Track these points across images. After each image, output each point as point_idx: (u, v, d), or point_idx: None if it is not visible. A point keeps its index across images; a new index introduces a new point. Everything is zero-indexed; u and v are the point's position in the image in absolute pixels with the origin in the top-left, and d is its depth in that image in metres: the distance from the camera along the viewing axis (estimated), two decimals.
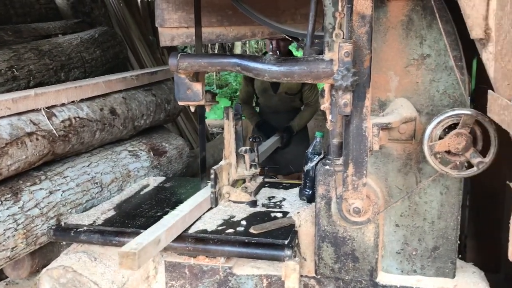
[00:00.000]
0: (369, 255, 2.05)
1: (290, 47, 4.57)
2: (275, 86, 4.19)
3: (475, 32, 1.42)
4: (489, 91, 1.42)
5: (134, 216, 2.49)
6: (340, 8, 1.66)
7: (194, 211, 2.38)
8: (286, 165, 4.24)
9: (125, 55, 4.47)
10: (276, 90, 4.20)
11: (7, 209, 2.17)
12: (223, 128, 2.74)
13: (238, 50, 12.05)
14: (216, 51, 11.81)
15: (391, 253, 2.07)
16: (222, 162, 2.65)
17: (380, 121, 1.77)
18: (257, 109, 4.53)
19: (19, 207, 2.23)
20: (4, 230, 2.12)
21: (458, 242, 2.02)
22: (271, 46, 3.98)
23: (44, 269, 2.25)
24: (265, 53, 4.68)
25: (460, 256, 2.15)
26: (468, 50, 1.81)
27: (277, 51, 3.88)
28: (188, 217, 2.31)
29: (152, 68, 4.72)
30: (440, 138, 1.77)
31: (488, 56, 1.41)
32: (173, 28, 2.95)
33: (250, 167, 2.77)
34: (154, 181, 3.13)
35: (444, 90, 1.87)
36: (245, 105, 4.35)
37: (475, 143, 1.75)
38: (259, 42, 12.18)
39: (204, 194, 2.57)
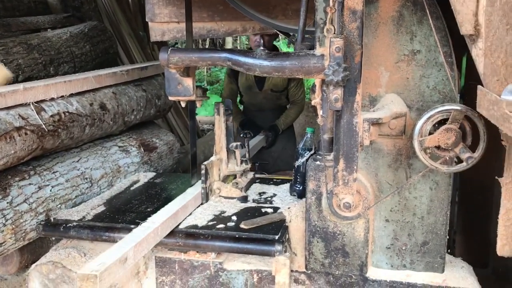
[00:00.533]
0: (359, 250, 2.06)
1: (275, 43, 4.49)
2: (260, 83, 4.05)
3: (465, 28, 1.43)
4: (479, 87, 1.43)
5: (124, 212, 2.48)
6: (331, 3, 1.66)
7: (170, 220, 2.21)
8: (273, 164, 4.17)
9: (115, 50, 4.42)
10: (261, 87, 4.06)
11: None
12: (213, 125, 2.73)
13: (229, 46, 12.02)
14: (207, 46, 11.77)
15: (381, 248, 2.08)
16: (213, 158, 2.65)
17: (371, 117, 1.78)
18: (241, 107, 4.37)
19: (7, 202, 2.20)
20: None
21: (447, 237, 2.04)
22: (258, 41, 3.84)
23: (33, 265, 2.23)
24: (250, 48, 4.64)
25: (449, 251, 2.17)
26: (458, 46, 1.82)
27: (260, 46, 3.76)
28: (161, 229, 2.12)
29: (142, 63, 4.68)
30: (430, 133, 1.78)
31: (477, 52, 1.42)
32: (163, 23, 2.94)
33: (241, 162, 2.77)
34: (144, 176, 3.12)
35: (434, 86, 1.88)
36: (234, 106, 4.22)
37: (464, 139, 1.77)
38: None
39: (186, 196, 2.47)
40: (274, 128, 4.09)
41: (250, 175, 2.90)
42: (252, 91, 4.10)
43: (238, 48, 12.03)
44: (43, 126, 2.41)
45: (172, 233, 2.22)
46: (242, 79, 4.09)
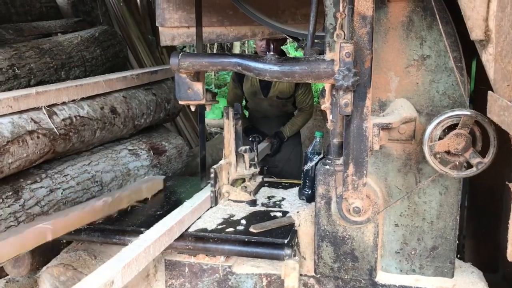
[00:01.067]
0: (368, 255, 2.06)
1: (283, 48, 4.42)
2: (265, 90, 3.92)
3: (475, 34, 1.44)
4: (489, 92, 1.43)
5: (134, 215, 2.50)
6: (341, 9, 1.68)
7: (163, 237, 2.04)
8: (277, 175, 4.06)
9: (125, 54, 4.47)
10: (266, 93, 3.92)
11: (8, 206, 2.18)
12: (221, 128, 2.75)
13: (237, 50, 12.06)
14: (215, 51, 11.82)
15: (390, 253, 2.08)
16: (222, 162, 2.66)
17: (381, 121, 1.78)
18: (246, 113, 4.24)
19: (20, 205, 2.24)
20: (5, 228, 2.13)
21: (457, 242, 2.04)
22: (264, 47, 3.72)
23: (45, 267, 2.25)
24: (255, 53, 4.55)
25: (458, 256, 2.17)
26: (468, 51, 1.82)
27: (266, 52, 3.67)
28: (153, 247, 1.95)
29: (152, 67, 4.72)
30: (440, 138, 1.78)
31: (488, 57, 1.42)
32: (173, 27, 2.96)
33: (250, 166, 2.78)
34: None
35: (444, 91, 1.88)
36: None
37: (474, 144, 1.77)
38: None
39: (194, 201, 2.43)
40: (279, 135, 3.96)
41: (259, 179, 2.91)
42: (257, 98, 3.98)
43: (246, 52, 12.07)
44: (55, 129, 2.44)
45: (182, 237, 2.23)
46: (247, 84, 3.97)
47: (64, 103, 2.60)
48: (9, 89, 2.92)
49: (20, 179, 2.35)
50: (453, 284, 2.02)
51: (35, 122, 2.35)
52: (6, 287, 2.37)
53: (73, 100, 2.67)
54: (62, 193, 2.49)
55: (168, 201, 2.70)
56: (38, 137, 2.32)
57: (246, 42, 12.11)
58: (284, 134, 3.98)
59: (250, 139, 3.03)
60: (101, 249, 2.35)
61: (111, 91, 3.03)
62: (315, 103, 4.29)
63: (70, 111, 2.60)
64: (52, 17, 4.19)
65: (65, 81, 3.30)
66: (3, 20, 3.56)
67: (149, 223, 2.23)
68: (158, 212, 2.51)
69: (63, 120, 2.52)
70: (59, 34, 3.99)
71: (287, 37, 2.57)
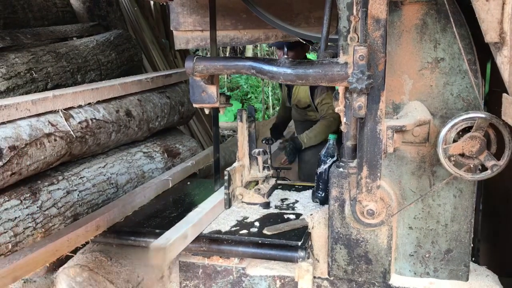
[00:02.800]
0: (382, 257, 2.06)
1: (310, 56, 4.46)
2: (289, 97, 4.05)
3: (490, 36, 1.44)
4: (504, 95, 1.43)
5: (149, 217, 2.52)
6: (355, 12, 1.68)
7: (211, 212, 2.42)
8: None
9: (139, 57, 4.52)
10: (290, 101, 4.11)
11: (26, 208, 2.22)
12: (234, 131, 2.77)
13: (249, 53, 12.10)
14: (227, 54, 11.86)
15: (404, 255, 2.08)
16: (235, 164, 2.67)
17: (395, 124, 1.79)
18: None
19: (37, 207, 2.27)
20: (23, 228, 2.16)
21: (472, 245, 2.03)
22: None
23: (61, 268, 2.28)
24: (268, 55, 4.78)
25: (473, 259, 2.15)
26: (482, 52, 1.82)
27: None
28: (207, 216, 2.36)
29: (166, 70, 4.76)
30: (454, 141, 1.78)
31: (502, 59, 1.42)
32: (188, 31, 3.00)
33: (263, 169, 2.79)
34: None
35: (458, 93, 1.88)
36: (280, 108, 4.37)
37: (489, 146, 1.76)
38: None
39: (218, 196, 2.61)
40: (294, 140, 3.89)
41: (272, 181, 2.92)
42: (286, 105, 4.23)
43: (259, 55, 12.10)
44: (71, 132, 2.48)
45: (196, 238, 2.25)
46: (283, 91, 4.23)
47: (80, 106, 2.64)
48: (27, 93, 2.97)
49: (38, 181, 2.39)
50: (468, 287, 2.01)
51: (52, 125, 2.39)
52: (24, 287, 2.41)
53: (89, 103, 2.71)
54: (78, 195, 2.53)
55: (182, 203, 2.73)
56: (55, 140, 2.36)
57: (259, 45, 12.14)
58: (301, 140, 3.89)
59: (263, 141, 3.05)
60: (116, 250, 2.38)
61: (126, 94, 3.07)
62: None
63: (86, 114, 2.64)
64: (68, 22, 4.26)
65: (81, 84, 3.36)
66: (21, 25, 3.63)
67: (164, 225, 2.26)
68: (173, 214, 2.53)
69: (79, 123, 2.56)
70: (75, 38, 4.06)
71: (301, 40, 2.58)
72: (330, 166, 2.38)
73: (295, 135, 4.18)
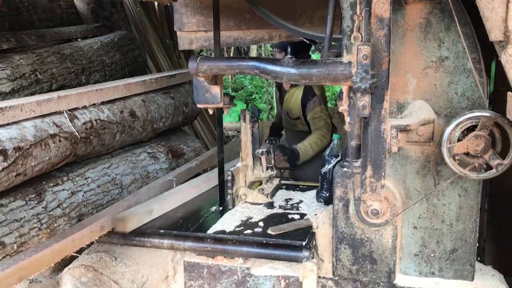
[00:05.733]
0: (387, 257, 2.05)
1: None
2: (281, 103, 3.85)
3: (494, 35, 1.43)
4: (509, 93, 1.43)
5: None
6: (358, 11, 1.68)
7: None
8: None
9: (143, 58, 4.53)
10: (281, 107, 3.87)
11: (32, 208, 2.23)
12: (238, 131, 2.78)
13: (253, 53, 12.10)
14: (232, 55, 11.87)
15: (409, 255, 2.07)
16: (239, 164, 2.68)
17: (399, 123, 1.78)
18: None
19: (42, 207, 2.28)
20: (29, 229, 2.18)
21: (477, 244, 2.02)
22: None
23: (66, 268, 2.29)
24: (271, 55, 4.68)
25: (479, 259, 2.14)
26: (487, 51, 1.81)
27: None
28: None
29: (170, 71, 4.77)
30: (459, 140, 1.77)
31: (507, 58, 1.41)
32: (191, 32, 2.99)
33: (267, 169, 2.79)
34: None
35: (463, 92, 1.87)
36: (277, 108, 4.30)
37: (494, 145, 1.75)
38: None
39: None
40: (293, 153, 3.49)
41: (276, 181, 2.92)
42: (278, 109, 4.06)
43: (263, 55, 12.10)
44: (76, 133, 2.49)
45: (201, 238, 2.25)
46: (275, 95, 4.20)
47: (84, 107, 2.65)
48: (32, 94, 2.99)
49: (43, 181, 2.40)
50: (473, 287, 2.00)
51: (57, 126, 2.40)
52: (30, 287, 2.42)
53: (94, 104, 2.72)
54: (83, 196, 2.54)
55: (186, 204, 2.73)
56: (60, 141, 2.37)
57: (263, 45, 12.14)
58: (299, 150, 3.53)
59: (267, 141, 3.04)
60: (121, 251, 2.38)
61: (130, 95, 3.08)
62: (331, 105, 4.26)
63: (91, 115, 2.65)
64: (73, 23, 4.28)
65: (85, 85, 3.37)
66: (26, 27, 3.65)
67: (168, 225, 2.26)
68: (178, 214, 2.54)
69: (84, 123, 2.57)
70: (79, 39, 4.07)
71: (304, 40, 2.58)
72: (334, 166, 2.37)
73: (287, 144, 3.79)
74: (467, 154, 1.77)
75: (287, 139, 3.98)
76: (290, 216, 2.46)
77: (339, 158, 2.50)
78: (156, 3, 5.99)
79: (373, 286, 2.10)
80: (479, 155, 1.75)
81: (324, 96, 3.74)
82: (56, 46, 3.55)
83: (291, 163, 3.47)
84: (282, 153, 3.41)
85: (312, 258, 2.12)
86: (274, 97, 4.35)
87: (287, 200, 2.73)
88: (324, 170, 2.56)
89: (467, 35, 1.80)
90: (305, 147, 3.54)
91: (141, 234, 2.33)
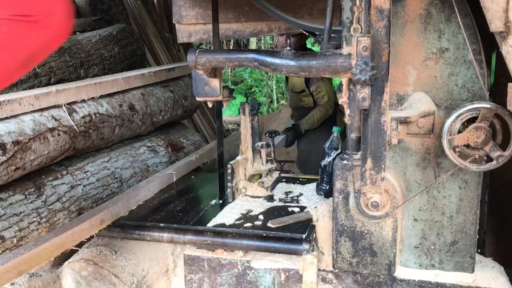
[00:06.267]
0: (387, 249, 2.05)
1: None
2: (287, 81, 4.29)
3: (495, 25, 1.42)
4: (509, 84, 1.42)
5: (153, 210, 2.53)
6: (358, 3, 1.66)
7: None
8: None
9: (142, 52, 4.51)
10: (287, 85, 4.30)
11: (31, 202, 2.22)
12: (238, 125, 2.77)
13: (253, 46, 12.07)
14: (231, 47, 11.84)
15: (409, 248, 2.07)
16: (238, 157, 2.67)
17: (399, 115, 1.77)
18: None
19: (42, 201, 2.28)
20: (28, 223, 2.17)
21: (477, 237, 2.02)
22: (283, 43, 4.03)
23: (66, 262, 2.29)
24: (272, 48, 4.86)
25: (479, 251, 2.14)
26: (487, 43, 1.80)
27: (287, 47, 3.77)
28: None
29: (169, 64, 4.75)
30: (459, 132, 1.76)
31: (508, 49, 1.40)
32: (190, 24, 2.98)
33: (267, 162, 2.79)
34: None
35: (463, 84, 1.86)
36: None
37: (494, 137, 1.74)
38: (274, 38, 12.17)
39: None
40: (295, 128, 4.15)
41: (276, 174, 2.92)
42: (286, 89, 4.43)
43: (262, 47, 12.07)
44: (75, 127, 2.48)
45: (201, 232, 2.25)
46: (285, 81, 4.42)
47: (83, 100, 2.64)
48: (30, 88, 2.98)
49: (42, 175, 2.39)
50: (474, 279, 2.00)
51: (56, 120, 2.39)
52: (30, 281, 2.42)
53: (92, 98, 2.71)
54: (82, 190, 2.53)
55: (186, 197, 2.73)
56: (58, 134, 2.36)
57: (262, 38, 12.11)
58: (301, 127, 4.16)
59: (267, 134, 3.04)
60: (121, 244, 2.38)
61: (129, 88, 3.07)
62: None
63: (90, 108, 2.64)
64: None
65: (84, 79, 3.35)
66: None
67: (168, 218, 2.26)
68: (177, 208, 2.54)
69: (82, 117, 2.56)
70: (77, 32, 4.05)
71: (304, 32, 2.56)
72: (334, 159, 2.37)
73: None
74: (468, 146, 1.77)
75: (295, 120, 4.40)
76: (290, 209, 2.46)
77: (339, 151, 2.49)
78: None
79: (373, 278, 2.10)
80: (480, 147, 1.74)
81: None
82: None
83: (297, 133, 4.10)
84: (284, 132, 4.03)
85: (312, 251, 2.13)
86: (284, 85, 4.65)
87: (287, 193, 2.73)
88: (324, 163, 2.56)
89: (467, 26, 1.79)
90: (307, 118, 4.13)
91: (141, 228, 2.33)
